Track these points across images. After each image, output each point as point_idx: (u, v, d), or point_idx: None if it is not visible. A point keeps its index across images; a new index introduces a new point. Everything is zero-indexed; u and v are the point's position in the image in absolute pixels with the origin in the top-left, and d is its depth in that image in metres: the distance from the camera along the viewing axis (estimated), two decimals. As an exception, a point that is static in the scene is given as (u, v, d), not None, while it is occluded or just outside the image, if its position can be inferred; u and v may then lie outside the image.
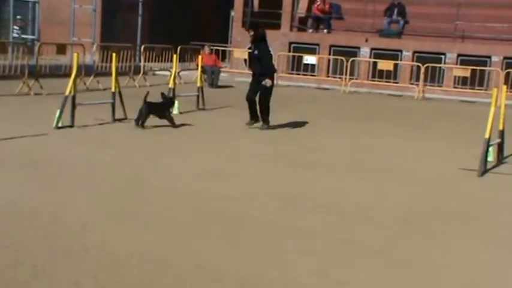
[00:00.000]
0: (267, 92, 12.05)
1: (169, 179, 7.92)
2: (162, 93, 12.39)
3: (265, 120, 12.32)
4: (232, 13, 27.74)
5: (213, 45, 24.19)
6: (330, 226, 6.33)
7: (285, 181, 8.23)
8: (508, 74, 21.63)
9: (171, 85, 14.02)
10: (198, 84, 14.91)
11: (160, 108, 11.94)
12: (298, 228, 6.18)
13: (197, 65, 15.74)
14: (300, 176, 8.56)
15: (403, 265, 5.36)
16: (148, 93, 11.75)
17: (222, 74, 22.15)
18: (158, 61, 22.94)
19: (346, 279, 4.94)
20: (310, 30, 26.15)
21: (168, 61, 22.72)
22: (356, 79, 23.54)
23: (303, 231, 6.09)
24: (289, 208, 6.93)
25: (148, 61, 22.29)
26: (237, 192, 7.46)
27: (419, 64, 22.69)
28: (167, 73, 19.93)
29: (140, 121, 11.55)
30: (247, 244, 5.62)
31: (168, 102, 12.28)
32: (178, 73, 18.60)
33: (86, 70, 17.91)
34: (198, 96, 14.87)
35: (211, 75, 20.99)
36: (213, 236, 5.76)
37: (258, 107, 12.23)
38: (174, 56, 14.82)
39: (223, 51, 26.30)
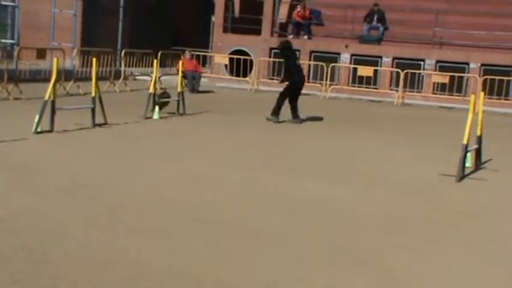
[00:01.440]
0: (282, 91, 14.72)
1: (150, 184, 7.91)
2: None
3: (276, 114, 14.69)
4: (213, 18, 27.78)
5: (194, 51, 24.20)
6: (312, 232, 6.36)
7: (266, 186, 8.25)
8: (485, 80, 21.85)
9: (151, 90, 14.01)
10: (179, 89, 14.91)
11: None
12: (279, 233, 6.20)
13: (178, 70, 15.74)
14: (281, 181, 8.58)
15: (384, 271, 5.39)
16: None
17: (202, 79, 22.16)
18: (139, 66, 22.90)
19: (327, 284, 4.97)
20: (291, 36, 26.23)
21: (148, 66, 22.70)
22: (336, 85, 23.66)
23: (284, 236, 6.12)
24: (270, 213, 6.95)
25: (129, 66, 22.24)
26: (219, 198, 7.47)
27: (399, 70, 22.85)
28: (148, 78, 19.90)
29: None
30: (229, 250, 5.63)
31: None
32: (159, 78, 18.58)
33: (66, 75, 17.83)
34: (178, 101, 14.87)
35: (191, 81, 20.99)
36: (194, 242, 5.76)
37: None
38: (155, 61, 14.81)
39: (204, 57, 26.32)
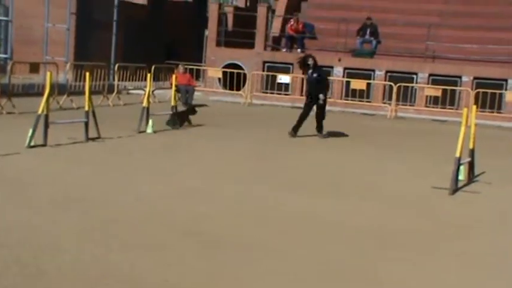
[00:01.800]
0: (323, 109, 14.81)
1: (143, 198, 7.91)
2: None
3: (322, 130, 14.84)
4: (207, 32, 27.84)
5: (187, 64, 24.24)
6: (305, 246, 6.37)
7: (259, 200, 8.25)
8: (477, 93, 21.94)
9: (144, 104, 14.02)
10: (172, 103, 14.92)
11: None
12: (273, 247, 6.20)
13: (171, 84, 15.76)
14: (274, 195, 8.59)
15: (378, 284, 5.40)
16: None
17: (196, 93, 22.17)
18: (132, 80, 22.90)
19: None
20: (284, 50, 26.31)
21: (142, 80, 22.70)
22: (329, 98, 23.68)
23: (277, 250, 6.12)
24: (264, 227, 6.95)
25: (123, 80, 22.24)
26: (212, 211, 7.47)
27: (392, 83, 22.92)
28: (141, 92, 19.91)
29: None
30: (223, 263, 5.63)
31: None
32: (153, 92, 18.59)
33: (59, 89, 17.81)
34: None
35: (185, 94, 20.99)
36: (188, 256, 5.76)
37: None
38: (148, 74, 14.83)
39: (198, 70, 26.36)
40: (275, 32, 27.46)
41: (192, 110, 15.66)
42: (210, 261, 5.66)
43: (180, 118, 15.02)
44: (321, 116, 14.73)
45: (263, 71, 25.07)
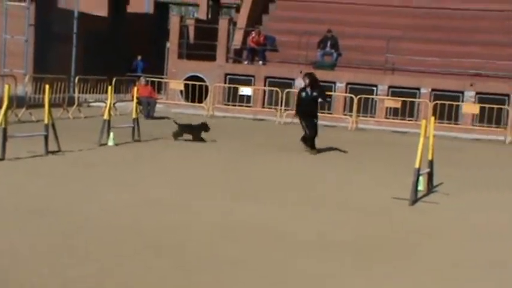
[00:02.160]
0: (317, 126, 14.83)
1: (106, 210, 7.85)
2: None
3: (315, 147, 14.76)
4: (168, 44, 27.81)
5: (149, 77, 24.17)
6: (267, 256, 6.39)
7: (223, 210, 8.26)
8: (436, 105, 22.29)
9: (106, 117, 13.93)
10: (134, 116, 14.86)
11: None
12: (234, 258, 6.21)
13: (133, 96, 15.69)
14: (238, 206, 8.61)
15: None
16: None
17: (158, 105, 22.12)
18: (93, 92, 22.75)
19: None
20: (246, 62, 26.42)
21: (103, 92, 22.55)
22: (291, 110, 23.84)
23: (240, 261, 6.13)
24: (226, 238, 6.96)
25: (83, 92, 22.08)
26: (176, 223, 7.45)
27: (353, 95, 23.17)
28: (102, 104, 19.78)
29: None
30: (191, 276, 5.63)
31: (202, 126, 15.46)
32: (114, 104, 18.49)
33: (18, 102, 17.60)
34: (133, 128, 14.80)
35: (147, 107, 20.94)
36: (154, 268, 5.73)
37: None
38: (109, 87, 14.75)
39: (159, 83, 26.29)
40: (237, 44, 27.55)
41: (205, 126, 15.49)
42: (175, 273, 5.65)
43: (193, 134, 15.26)
44: (314, 133, 14.69)
45: (225, 83, 25.12)
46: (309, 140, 14.69)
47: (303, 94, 14.69)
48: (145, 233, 6.97)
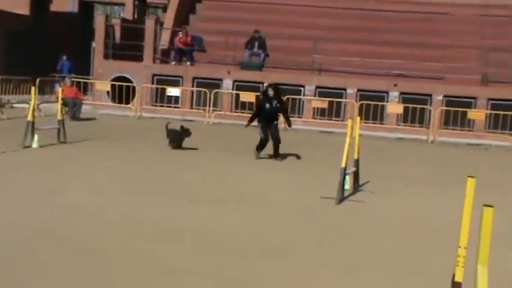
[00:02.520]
0: (278, 133, 14.80)
1: (30, 215, 7.67)
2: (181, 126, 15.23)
3: (279, 154, 14.68)
4: (93, 44, 27.38)
5: (75, 77, 23.74)
6: (190, 258, 6.39)
7: (146, 213, 8.20)
8: (362, 105, 22.72)
9: (29, 118, 13.61)
10: (59, 117, 14.57)
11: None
12: (155, 260, 6.18)
13: (57, 97, 15.39)
14: (162, 207, 8.56)
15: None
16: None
17: (84, 107, 21.76)
18: (16, 93, 22.19)
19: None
20: (173, 63, 26.28)
21: (26, 93, 22.02)
22: (219, 111, 23.87)
23: (167, 264, 6.11)
24: (148, 239, 6.92)
25: (5, 93, 21.51)
26: (102, 227, 7.36)
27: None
28: (26, 105, 19.31)
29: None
30: (111, 281, 5.57)
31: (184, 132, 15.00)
32: (38, 105, 18.08)
33: None
34: (59, 129, 14.51)
35: (72, 108, 20.57)
36: (75, 273, 5.65)
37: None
38: (33, 88, 14.42)
39: (85, 83, 25.85)
40: (164, 44, 27.38)
41: (187, 131, 15.08)
42: (98, 278, 5.58)
43: (176, 140, 14.85)
44: (277, 140, 14.64)
45: (152, 83, 24.92)
46: (263, 144, 14.61)
47: (267, 105, 14.65)
48: (67, 239, 6.85)
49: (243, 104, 23.79)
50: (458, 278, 4.51)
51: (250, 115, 22.33)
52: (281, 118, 15.30)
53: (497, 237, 6.65)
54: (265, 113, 14.64)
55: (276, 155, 14.62)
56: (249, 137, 15.37)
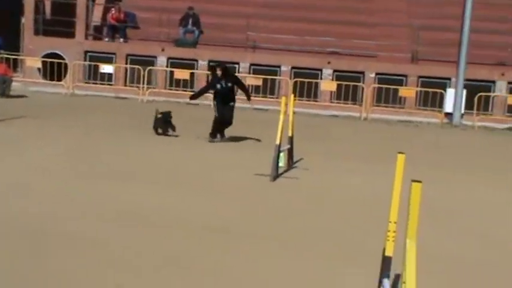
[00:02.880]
0: (233, 114, 14.41)
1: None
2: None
3: (224, 134, 14.36)
4: (23, 20, 26.65)
5: (4, 54, 23.10)
6: (129, 237, 6.40)
7: (86, 193, 8.14)
8: (296, 83, 22.91)
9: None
10: (-12, 95, 14.20)
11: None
12: (96, 239, 6.17)
13: (-14, 75, 14.99)
14: (101, 187, 8.50)
15: (195, 271, 5.56)
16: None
17: (14, 83, 21.23)
18: None
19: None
20: (106, 39, 25.86)
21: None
22: (154, 88, 23.68)
23: (100, 241, 6.10)
24: (88, 219, 6.89)
25: None
26: (47, 209, 7.27)
27: (215, 73, 23.29)
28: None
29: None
30: (49, 260, 5.54)
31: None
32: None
33: None
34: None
35: (2, 85, 20.06)
36: (20, 253, 5.59)
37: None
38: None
39: (15, 60, 25.16)
40: (96, 21, 26.91)
41: (169, 114, 14.28)
42: (38, 257, 5.54)
43: (164, 125, 14.14)
44: (229, 122, 14.29)
45: (85, 60, 24.51)
46: (222, 125, 14.30)
47: (218, 86, 14.26)
48: (14, 222, 6.75)
49: (178, 81, 23.68)
50: (389, 253, 4.64)
51: (184, 92, 22.16)
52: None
53: (426, 211, 6.89)
54: (220, 94, 14.28)
55: (222, 135, 14.32)
56: (183, 115, 15.32)
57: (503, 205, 9.40)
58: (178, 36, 25.32)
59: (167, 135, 14.06)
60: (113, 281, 5.15)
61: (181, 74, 23.44)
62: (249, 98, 14.75)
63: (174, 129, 14.15)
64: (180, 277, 5.37)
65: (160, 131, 14.12)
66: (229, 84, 14.40)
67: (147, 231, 6.63)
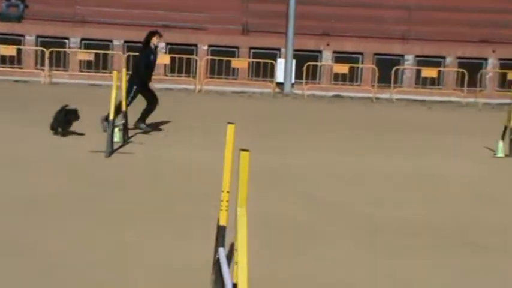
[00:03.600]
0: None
1: None
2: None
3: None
4: None
5: None
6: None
7: None
8: (128, 57, 22.61)
9: None
10: None
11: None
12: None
13: None
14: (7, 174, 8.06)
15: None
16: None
17: None
18: None
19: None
20: None
21: None
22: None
23: None
24: None
25: None
26: None
27: (44, 49, 22.52)
28: None
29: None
30: None
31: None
32: None
33: None
34: None
35: None
36: None
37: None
38: None
39: None
40: None
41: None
42: None
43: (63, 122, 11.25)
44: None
45: None
46: (150, 112, 12.21)
47: (152, 57, 12.19)
48: None
49: (3, 57, 22.62)
50: (222, 222, 4.74)
51: (12, 69, 20.88)
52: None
53: (259, 179, 7.19)
54: (151, 68, 12.13)
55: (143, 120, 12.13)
56: (12, 91, 14.69)
57: (330, 166, 9.94)
58: (1, 10, 24.10)
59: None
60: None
61: (7, 50, 22.41)
62: None
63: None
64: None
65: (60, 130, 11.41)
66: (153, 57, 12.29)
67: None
